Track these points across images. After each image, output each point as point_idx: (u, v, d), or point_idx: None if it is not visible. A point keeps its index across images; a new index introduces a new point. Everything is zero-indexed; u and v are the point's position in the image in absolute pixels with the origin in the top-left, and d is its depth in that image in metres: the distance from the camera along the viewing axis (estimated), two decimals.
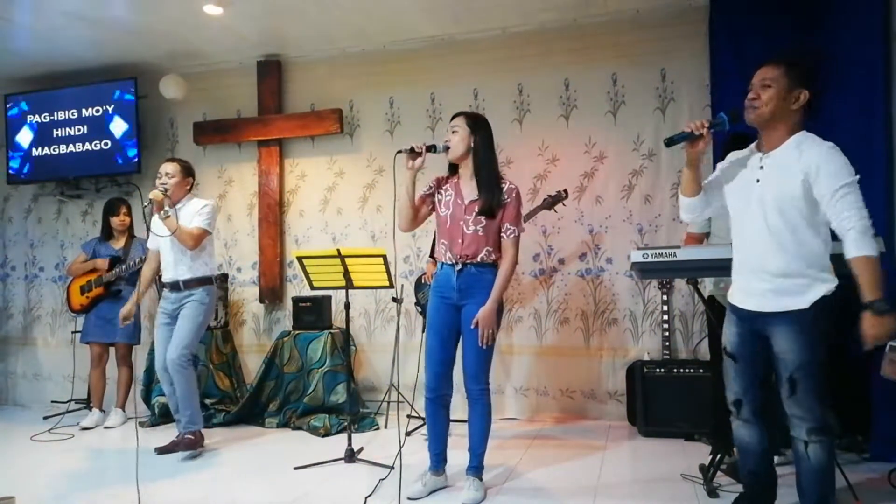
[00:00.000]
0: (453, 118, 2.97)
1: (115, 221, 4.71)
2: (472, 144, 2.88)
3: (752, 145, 2.43)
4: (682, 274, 3.31)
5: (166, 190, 3.69)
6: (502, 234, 2.90)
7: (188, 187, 3.87)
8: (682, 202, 2.56)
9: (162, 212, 3.61)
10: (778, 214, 2.25)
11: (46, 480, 3.40)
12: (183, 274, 3.76)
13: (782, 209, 2.24)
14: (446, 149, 2.89)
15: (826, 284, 2.24)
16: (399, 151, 2.87)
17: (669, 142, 2.38)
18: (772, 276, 2.28)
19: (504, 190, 2.89)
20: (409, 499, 2.90)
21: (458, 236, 2.88)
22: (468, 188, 2.92)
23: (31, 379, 5.70)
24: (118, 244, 4.74)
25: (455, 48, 4.74)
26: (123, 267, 4.54)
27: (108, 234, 4.76)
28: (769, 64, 2.29)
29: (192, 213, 3.76)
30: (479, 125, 2.91)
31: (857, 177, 2.18)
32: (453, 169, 2.99)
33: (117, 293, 4.63)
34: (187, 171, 3.87)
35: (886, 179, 3.35)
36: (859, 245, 2.11)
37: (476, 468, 2.95)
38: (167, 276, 3.80)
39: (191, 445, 3.73)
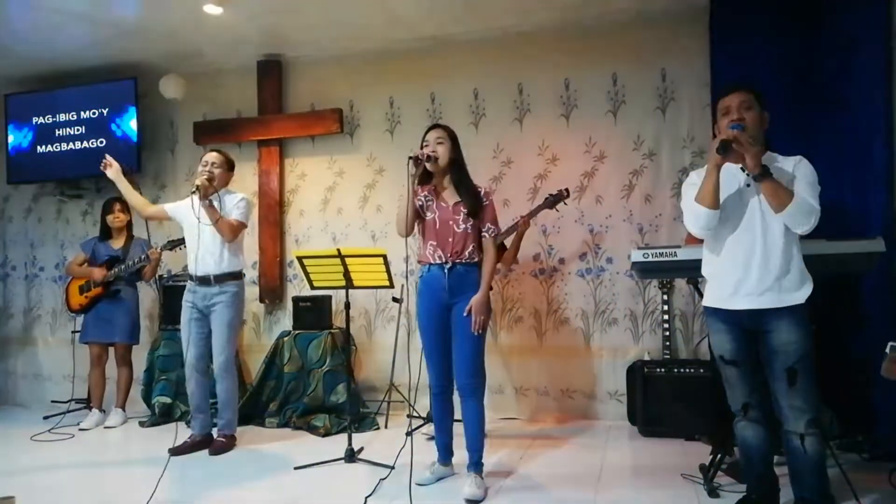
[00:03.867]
0: (434, 129, 3.11)
1: (109, 219, 4.70)
2: (453, 155, 3.06)
3: (726, 163, 2.51)
4: (683, 274, 3.31)
5: (211, 178, 3.71)
6: (483, 234, 3.08)
7: (228, 180, 3.91)
8: (705, 216, 2.43)
9: (206, 200, 3.62)
10: (776, 217, 2.38)
11: (46, 480, 3.40)
12: (214, 268, 3.77)
13: None
14: (435, 159, 3.02)
15: (810, 283, 2.43)
16: (411, 157, 2.95)
17: (722, 148, 2.36)
18: (776, 275, 2.39)
19: (482, 193, 3.08)
20: (417, 483, 3.00)
21: (449, 235, 3.02)
22: (448, 193, 3.09)
23: (31, 379, 5.70)
24: (118, 243, 4.73)
25: (455, 48, 4.74)
26: (122, 267, 4.53)
27: (106, 233, 4.76)
28: (741, 89, 2.49)
29: (229, 207, 3.80)
30: (455, 137, 3.11)
31: (819, 188, 2.40)
32: (426, 178, 3.09)
33: (116, 293, 4.62)
34: (231, 165, 3.92)
35: (886, 179, 3.35)
36: (796, 198, 2.31)
37: (477, 464, 3.01)
38: (197, 270, 3.78)
39: (223, 448, 3.81)
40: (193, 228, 3.68)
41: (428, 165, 3.02)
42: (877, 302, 3.31)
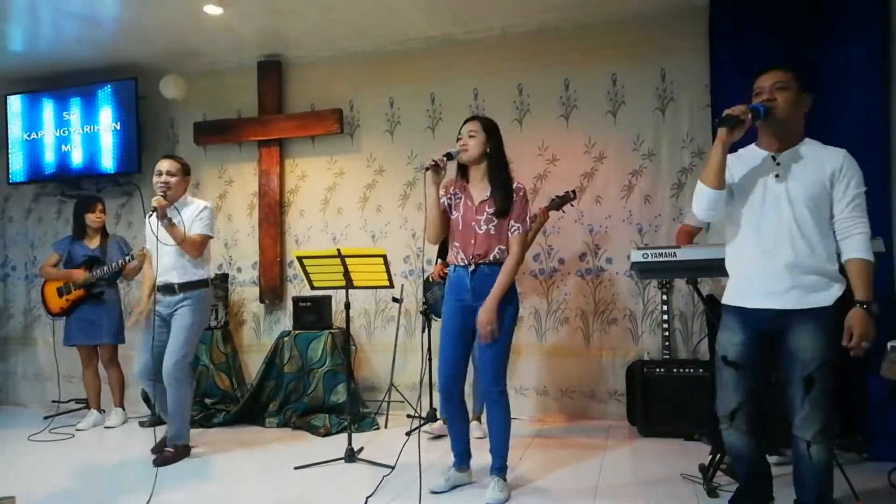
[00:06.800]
0: (469, 121, 2.98)
1: (90, 218, 4.55)
2: (488, 149, 2.93)
3: (752, 146, 2.44)
4: (682, 274, 3.31)
5: (167, 192, 3.55)
6: (508, 231, 2.93)
7: (186, 186, 3.76)
8: (708, 196, 2.34)
9: (166, 220, 3.46)
10: (808, 211, 2.26)
11: (47, 480, 3.40)
12: (177, 277, 3.63)
13: (811, 206, 2.27)
14: (457, 154, 2.92)
15: (841, 283, 2.28)
16: (426, 169, 2.84)
17: (721, 122, 2.28)
18: (800, 274, 2.25)
19: (514, 188, 2.94)
20: (432, 492, 2.96)
21: (471, 237, 2.92)
22: (478, 189, 2.96)
23: (31, 379, 5.70)
24: (93, 243, 4.59)
25: (455, 48, 4.74)
26: (105, 269, 4.41)
27: (81, 232, 4.62)
28: (778, 69, 2.34)
29: (191, 216, 3.65)
30: (492, 129, 2.96)
31: (866, 187, 2.30)
32: (462, 171, 3.01)
33: (99, 295, 4.51)
34: (186, 170, 3.76)
35: (885, 180, 3.35)
36: (865, 249, 2.22)
37: (499, 469, 2.96)
38: (161, 279, 3.65)
39: (169, 459, 3.59)
40: (152, 239, 3.55)
41: (464, 158, 2.91)
42: (877, 302, 3.31)
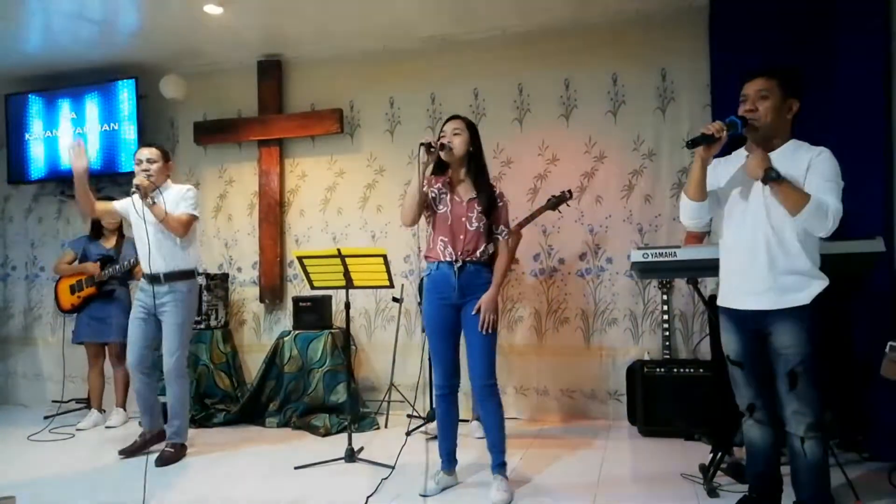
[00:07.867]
0: (452, 120, 3.02)
1: (104, 219, 4.60)
2: (472, 148, 2.98)
3: (742, 150, 2.50)
4: (682, 274, 3.32)
5: (150, 176, 3.54)
6: (496, 235, 3.00)
7: (168, 173, 3.72)
8: (688, 207, 2.47)
9: (148, 198, 3.45)
10: (784, 213, 2.29)
11: (47, 480, 3.40)
12: (163, 266, 3.58)
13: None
14: (450, 149, 2.94)
15: (822, 281, 2.34)
16: (422, 144, 2.85)
17: (692, 144, 2.35)
18: (776, 275, 2.32)
19: (497, 193, 3.02)
20: (422, 495, 2.94)
21: (461, 232, 2.94)
22: (464, 188, 3.00)
23: (31, 379, 5.70)
24: (109, 243, 4.65)
25: (455, 48, 4.74)
26: (117, 267, 4.46)
27: (97, 232, 4.68)
28: (762, 76, 2.38)
29: (175, 199, 3.61)
30: (475, 130, 3.03)
31: (843, 184, 2.29)
32: (441, 169, 3.02)
33: (110, 293, 4.55)
34: (167, 156, 3.73)
35: (886, 180, 3.35)
36: (811, 200, 2.19)
37: (501, 465, 2.95)
38: (145, 268, 3.60)
39: (171, 459, 3.58)
40: (140, 227, 3.53)
41: (443, 155, 2.91)
42: (877, 302, 3.32)
